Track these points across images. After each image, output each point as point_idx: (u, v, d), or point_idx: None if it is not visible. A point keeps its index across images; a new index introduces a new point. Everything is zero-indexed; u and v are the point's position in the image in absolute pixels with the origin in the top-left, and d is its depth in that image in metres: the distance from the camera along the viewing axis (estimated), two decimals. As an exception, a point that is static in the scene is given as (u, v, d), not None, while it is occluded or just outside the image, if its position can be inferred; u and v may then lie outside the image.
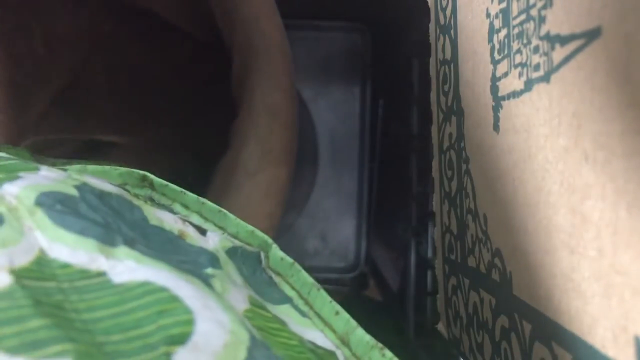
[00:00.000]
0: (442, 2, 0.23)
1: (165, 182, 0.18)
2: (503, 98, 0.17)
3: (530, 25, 0.15)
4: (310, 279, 0.16)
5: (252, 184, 0.29)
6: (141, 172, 0.18)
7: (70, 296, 0.11)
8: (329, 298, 0.15)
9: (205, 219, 0.17)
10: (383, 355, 0.14)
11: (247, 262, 0.16)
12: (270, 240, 0.17)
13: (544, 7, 0.14)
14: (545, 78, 0.14)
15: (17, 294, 0.10)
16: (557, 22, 0.14)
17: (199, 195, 0.18)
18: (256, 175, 0.29)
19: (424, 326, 0.35)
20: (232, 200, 0.29)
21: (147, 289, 0.12)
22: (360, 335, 0.14)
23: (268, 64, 0.30)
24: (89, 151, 0.40)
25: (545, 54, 0.14)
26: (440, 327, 0.25)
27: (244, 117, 0.30)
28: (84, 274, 0.12)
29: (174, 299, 0.12)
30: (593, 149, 0.12)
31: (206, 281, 0.13)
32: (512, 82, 0.16)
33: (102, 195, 0.14)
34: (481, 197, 0.19)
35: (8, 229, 0.12)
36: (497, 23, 0.17)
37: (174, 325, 0.11)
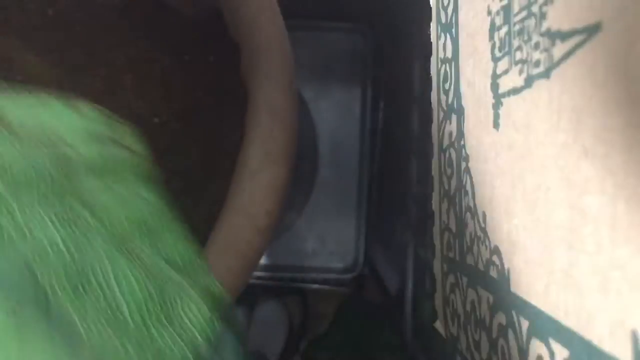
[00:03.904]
0: (444, 0, 0.23)
1: None
2: (503, 95, 0.17)
3: (531, 22, 0.15)
4: None
5: (254, 183, 0.29)
6: None
7: None
8: None
9: None
10: None
11: None
12: None
13: (545, 3, 0.14)
14: (546, 74, 0.14)
15: None
16: (558, 17, 0.14)
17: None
18: (257, 174, 0.29)
19: (423, 327, 0.35)
20: (235, 199, 0.29)
21: None
22: None
23: (269, 64, 0.30)
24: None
25: (546, 50, 0.14)
26: (438, 325, 0.25)
27: (248, 115, 0.30)
28: None
29: None
30: (593, 144, 0.12)
31: None
32: (513, 79, 0.16)
33: None
34: (480, 195, 0.19)
35: None
36: (499, 20, 0.17)
37: None
